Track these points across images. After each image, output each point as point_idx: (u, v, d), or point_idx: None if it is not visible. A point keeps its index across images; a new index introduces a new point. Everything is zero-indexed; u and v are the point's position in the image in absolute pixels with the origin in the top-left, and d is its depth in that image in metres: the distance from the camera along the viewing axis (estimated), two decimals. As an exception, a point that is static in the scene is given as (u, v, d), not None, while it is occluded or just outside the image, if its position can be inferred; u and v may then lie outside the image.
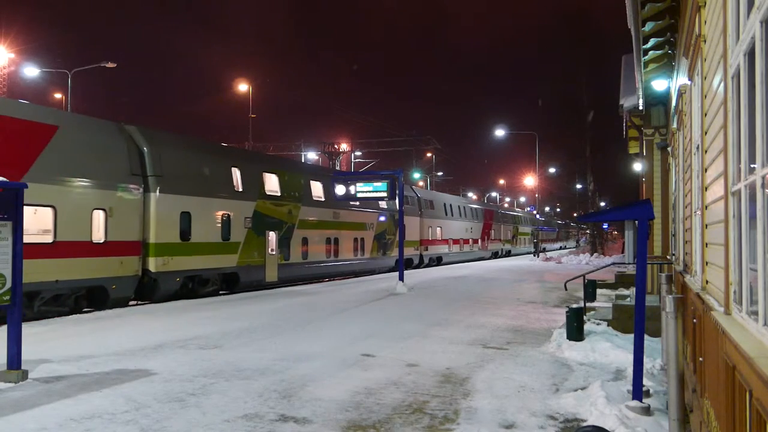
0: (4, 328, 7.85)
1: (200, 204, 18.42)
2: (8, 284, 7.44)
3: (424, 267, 35.58)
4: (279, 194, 22.53)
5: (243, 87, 50.32)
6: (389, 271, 30.27)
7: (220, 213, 19.33)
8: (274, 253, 21.85)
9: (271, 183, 22.41)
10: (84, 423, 5.97)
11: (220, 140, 40.62)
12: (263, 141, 54.18)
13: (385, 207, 31.07)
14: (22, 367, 7.61)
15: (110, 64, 34.92)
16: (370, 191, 22.13)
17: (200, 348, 9.79)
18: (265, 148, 51.71)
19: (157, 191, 16.75)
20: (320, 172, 28.21)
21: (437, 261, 39.14)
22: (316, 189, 25.38)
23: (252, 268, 20.70)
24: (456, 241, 42.66)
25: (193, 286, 18.12)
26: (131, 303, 16.21)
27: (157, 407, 6.51)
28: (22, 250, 7.60)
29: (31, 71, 39.10)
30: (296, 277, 23.31)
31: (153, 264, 16.39)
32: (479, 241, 48.65)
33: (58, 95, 48.35)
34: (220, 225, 19.23)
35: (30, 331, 10.29)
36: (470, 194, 78.60)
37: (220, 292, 19.41)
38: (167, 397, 6.88)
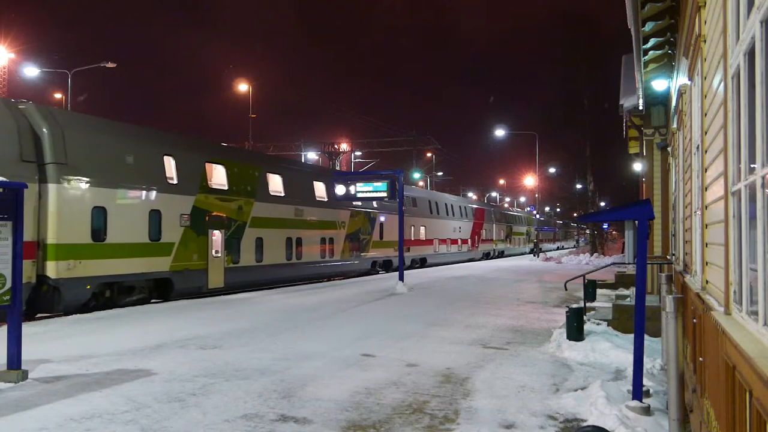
0: (4, 328, 7.85)
1: (120, 198, 15.72)
2: (8, 284, 7.44)
3: (407, 269, 33.54)
4: (226, 188, 19.81)
5: (243, 87, 50.36)
6: (365, 274, 28.43)
7: (148, 209, 16.54)
8: (219, 255, 19.15)
9: (217, 175, 19.84)
10: (84, 423, 5.97)
11: (221, 140, 40.63)
12: (263, 141, 54.19)
13: (359, 204, 28.17)
14: (22, 367, 7.61)
15: (110, 64, 34.97)
16: (370, 191, 22.11)
17: (200, 348, 9.79)
18: (266, 148, 51.73)
19: (59, 182, 14.10)
20: (279, 165, 24.96)
21: (421, 263, 36.63)
22: (274, 183, 22.71)
23: (190, 272, 17.87)
24: (442, 241, 40.28)
25: (112, 295, 15.57)
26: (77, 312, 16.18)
27: (157, 407, 6.51)
28: (22, 250, 7.60)
29: (31, 71, 39.11)
30: (249, 282, 20.69)
31: (53, 269, 13.76)
32: (469, 241, 46.16)
33: (58, 95, 48.37)
34: (147, 223, 16.46)
35: (30, 331, 10.29)
36: (470, 194, 78.58)
37: (152, 301, 16.76)
38: (167, 397, 6.88)
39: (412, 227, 34.95)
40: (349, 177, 24.18)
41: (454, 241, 42.43)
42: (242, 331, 11.49)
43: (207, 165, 19.20)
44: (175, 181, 17.62)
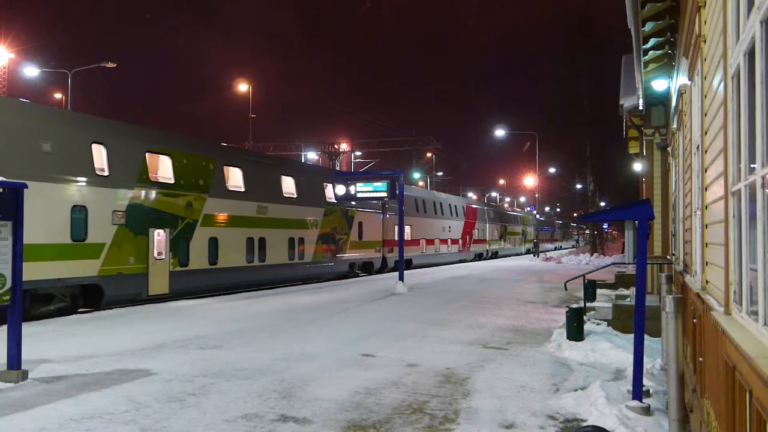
0: (4, 328, 7.85)
1: (31, 192, 13.40)
2: (8, 284, 7.45)
3: (389, 271, 30.94)
4: (172, 181, 17.56)
5: (243, 87, 50.38)
6: (343, 277, 26.53)
7: (70, 205, 14.40)
8: (162, 257, 16.91)
9: (161, 166, 17.70)
10: (84, 423, 5.97)
11: (221, 140, 40.63)
12: (264, 141, 54.19)
13: (334, 201, 25.71)
14: (22, 367, 7.61)
15: (110, 64, 34.94)
16: (370, 191, 22.08)
17: (200, 348, 9.79)
18: (266, 147, 51.72)
19: None
20: (240, 157, 22.44)
21: (406, 264, 33.19)
22: (233, 177, 20.63)
23: (125, 277, 15.65)
24: (430, 242, 37.84)
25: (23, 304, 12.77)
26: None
27: (157, 407, 6.51)
28: (22, 250, 7.61)
29: (31, 71, 39.12)
30: (200, 287, 18.30)
31: None
32: (459, 241, 43.48)
33: (58, 95, 48.39)
34: (69, 221, 14.33)
35: (30, 331, 10.29)
36: (470, 194, 78.54)
37: (79, 311, 14.81)
38: (167, 397, 6.88)
39: (396, 227, 31.57)
40: (349, 177, 24.15)
41: (443, 242, 40.27)
42: (242, 331, 11.49)
43: (148, 155, 16.92)
44: (106, 173, 15.42)
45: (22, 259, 7.65)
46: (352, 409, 6.52)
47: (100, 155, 15.39)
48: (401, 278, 20.43)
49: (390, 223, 31.89)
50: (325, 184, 25.93)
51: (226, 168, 20.20)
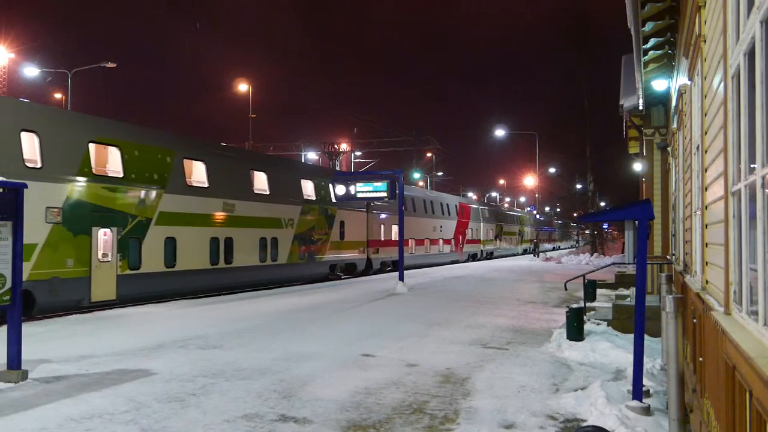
0: (4, 328, 7.85)
1: None
2: (8, 284, 7.45)
3: (374, 273, 29.32)
4: (121, 175, 15.85)
5: (243, 87, 50.40)
6: (323, 280, 24.90)
7: None
8: (108, 259, 15.21)
9: (107, 158, 16.14)
10: (84, 423, 5.98)
11: (221, 140, 40.64)
12: (264, 141, 54.22)
13: (313, 198, 24.36)
14: (22, 367, 7.61)
15: (110, 64, 34.95)
16: (369, 191, 22.06)
17: (200, 348, 9.79)
18: (266, 147, 51.74)
19: None
20: (203, 149, 20.02)
21: (393, 266, 31.73)
22: (194, 171, 18.91)
23: (62, 282, 13.97)
24: (419, 242, 35.76)
25: None
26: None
27: (158, 407, 6.51)
28: (22, 250, 7.61)
29: (31, 71, 39.12)
30: (155, 292, 16.66)
31: None
32: (452, 241, 41.42)
33: (58, 95, 48.41)
34: None
35: (30, 331, 10.29)
36: (470, 194, 78.51)
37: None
38: (167, 397, 6.88)
39: (381, 226, 31.01)
40: (348, 177, 24.11)
41: (434, 242, 38.25)
42: (242, 331, 11.49)
43: (92, 146, 15.25)
44: (38, 165, 13.79)
45: (23, 259, 7.65)
46: (352, 409, 6.52)
47: (31, 145, 13.75)
48: (401, 278, 20.45)
49: (375, 222, 30.28)
50: (302, 180, 24.47)
51: (186, 161, 18.37)
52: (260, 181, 21.92)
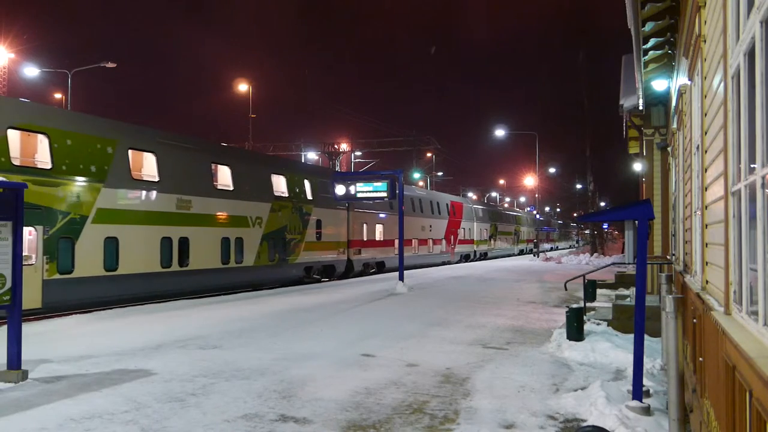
0: (4, 328, 7.86)
1: None
2: (8, 284, 7.45)
3: (355, 276, 27.48)
4: (49, 166, 14.11)
5: (243, 87, 50.42)
6: (296, 283, 23.05)
7: None
8: (32, 262, 13.36)
9: (32, 147, 14.49)
10: (84, 423, 5.98)
11: (221, 140, 40.64)
12: (264, 141, 54.21)
13: (285, 195, 22.61)
14: (22, 367, 7.62)
15: (110, 64, 34.95)
16: (370, 191, 22.03)
17: (200, 348, 9.79)
18: (266, 147, 51.73)
19: None
20: (153, 140, 17.60)
21: (377, 267, 30.38)
22: (142, 164, 17.11)
23: None
24: (407, 242, 33.34)
25: None
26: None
27: (157, 407, 6.52)
28: (22, 251, 7.62)
29: (31, 71, 39.12)
30: (92, 298, 14.90)
31: None
32: (442, 241, 39.44)
33: (58, 95, 48.43)
34: None
35: (30, 331, 10.28)
36: (470, 194, 78.51)
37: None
38: (167, 397, 6.88)
39: (364, 225, 29.21)
40: (348, 177, 24.04)
41: (422, 242, 36.21)
42: (242, 331, 11.49)
43: (11, 132, 13.50)
44: None
45: (22, 259, 7.65)
46: (352, 409, 6.52)
47: None
48: (401, 278, 20.46)
49: (357, 221, 28.20)
50: (273, 175, 22.60)
51: (133, 153, 16.44)
52: (223, 176, 20.18)
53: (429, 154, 66.41)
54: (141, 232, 16.33)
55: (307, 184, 24.25)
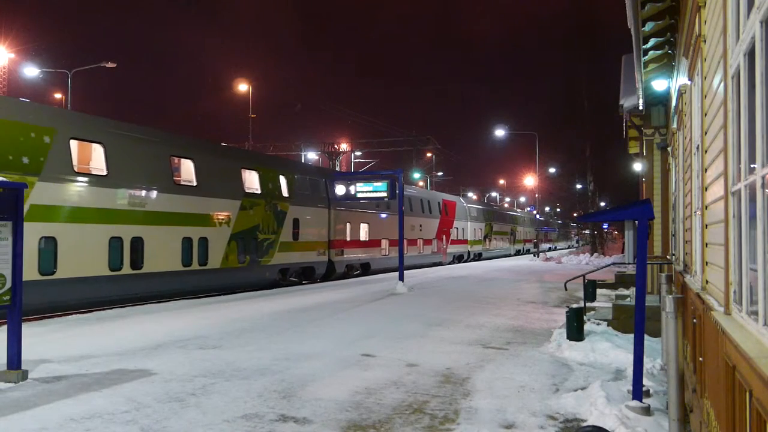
0: (4, 328, 7.85)
1: None
2: (8, 284, 7.46)
3: (336, 279, 25.84)
4: None
5: (243, 87, 50.42)
6: (270, 286, 21.54)
7: None
8: None
9: None
10: (84, 423, 5.98)
11: (220, 140, 40.61)
12: (264, 141, 54.20)
13: (257, 191, 21.08)
14: (22, 367, 7.62)
15: (110, 64, 34.96)
16: (369, 191, 22.02)
17: (200, 348, 9.79)
18: (266, 148, 51.73)
19: None
20: (100, 128, 15.92)
21: (362, 269, 28.97)
22: (88, 155, 15.75)
23: None
24: (395, 243, 31.29)
25: None
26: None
27: (157, 407, 6.52)
28: (22, 250, 7.62)
29: (31, 71, 39.12)
30: (26, 306, 13.12)
31: None
32: (433, 241, 37.65)
33: (58, 95, 48.42)
34: None
35: (30, 331, 10.29)
36: (470, 194, 78.49)
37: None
38: (167, 397, 6.88)
39: (348, 224, 27.49)
40: (348, 177, 24.02)
41: (411, 242, 34.23)
42: (242, 331, 11.49)
43: None
44: None
45: (23, 258, 7.65)
46: (352, 409, 6.52)
47: None
48: (401, 278, 20.45)
49: (340, 220, 26.57)
50: (243, 170, 20.90)
51: (75, 143, 14.88)
52: (185, 171, 18.63)
53: (429, 154, 66.45)
54: (84, 231, 14.72)
55: (282, 180, 22.71)
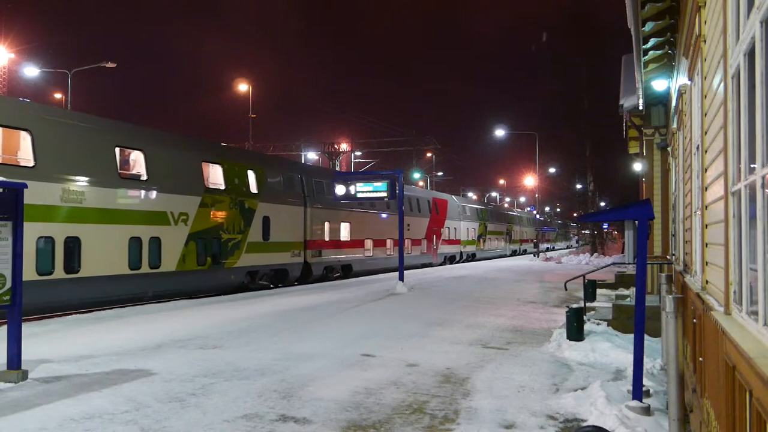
0: (4, 328, 7.85)
1: None
2: (8, 284, 7.46)
3: (315, 281, 24.04)
4: None
5: (243, 87, 50.42)
6: (238, 290, 19.86)
7: None
8: None
9: None
10: (84, 423, 5.97)
11: (220, 140, 40.59)
12: (264, 141, 54.20)
13: (221, 187, 19.36)
14: (22, 367, 7.61)
15: (110, 64, 34.94)
16: (370, 191, 21.96)
17: (200, 348, 9.79)
18: (266, 147, 51.73)
19: None
20: (25, 112, 14.19)
21: (343, 271, 27.08)
22: (11, 145, 14.13)
23: None
24: (379, 243, 30.31)
25: None
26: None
27: (157, 407, 6.51)
28: (22, 250, 7.62)
29: (31, 71, 39.12)
30: None
31: None
32: (423, 242, 35.88)
33: (58, 95, 48.45)
34: None
35: (30, 331, 10.29)
36: (470, 194, 78.49)
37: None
38: (167, 397, 6.88)
39: (327, 223, 25.55)
40: (348, 177, 23.96)
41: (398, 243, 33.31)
42: (242, 330, 11.49)
43: None
44: None
45: (23, 258, 7.65)
46: (352, 409, 6.52)
47: None
48: (401, 278, 20.45)
49: (317, 218, 24.72)
50: (204, 163, 19.07)
51: None
52: (133, 163, 16.89)
53: (429, 154, 66.44)
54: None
55: (251, 175, 20.91)
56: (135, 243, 16.04)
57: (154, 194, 16.77)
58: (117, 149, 16.00)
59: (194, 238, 18.03)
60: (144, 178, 16.58)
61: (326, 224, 25.57)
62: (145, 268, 16.30)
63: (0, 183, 7.67)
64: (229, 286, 19.73)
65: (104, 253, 15.12)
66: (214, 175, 19.49)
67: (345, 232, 27.07)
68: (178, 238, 17.49)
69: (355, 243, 28.08)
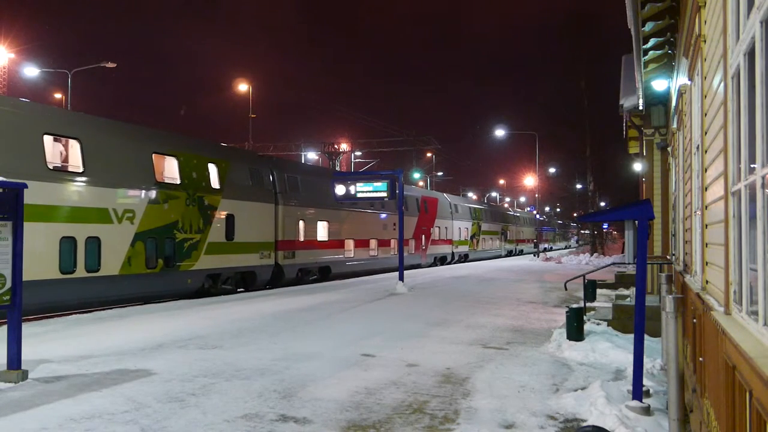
0: (4, 328, 7.85)
1: None
2: (8, 284, 7.45)
3: (287, 284, 22.31)
4: None
5: (243, 87, 50.40)
6: (195, 295, 17.99)
7: None
8: None
9: None
10: (84, 423, 5.97)
11: (220, 140, 40.58)
12: (264, 141, 54.17)
13: (176, 181, 17.63)
14: (22, 367, 7.62)
15: (110, 64, 34.96)
16: (369, 191, 21.87)
17: (200, 348, 9.79)
18: (266, 147, 51.72)
19: None
20: None
21: (321, 274, 25.20)
22: None
23: None
24: (361, 243, 28.45)
25: None
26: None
27: (157, 407, 6.51)
28: (22, 250, 7.62)
29: (31, 71, 39.12)
30: None
31: None
32: (411, 242, 34.24)
33: (58, 95, 48.45)
34: None
35: (30, 331, 10.29)
36: (470, 194, 78.47)
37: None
38: (167, 397, 6.88)
39: (301, 222, 23.77)
40: (348, 177, 23.83)
41: (383, 243, 30.84)
42: (242, 330, 11.49)
43: None
44: None
45: (22, 258, 7.65)
46: (352, 409, 6.52)
47: None
48: (401, 278, 20.44)
49: (291, 217, 22.97)
50: (155, 154, 17.23)
51: None
52: (66, 153, 15.41)
53: (429, 154, 66.45)
54: None
55: (212, 168, 19.08)
56: (68, 244, 14.30)
57: (90, 188, 14.95)
58: (45, 137, 14.20)
59: (142, 238, 16.26)
60: (79, 170, 14.83)
61: (301, 223, 23.76)
62: (80, 272, 14.54)
63: (0, 183, 7.66)
64: (186, 290, 17.95)
65: (34, 256, 12.79)
66: (168, 169, 17.79)
67: (323, 231, 25.29)
68: (123, 238, 15.76)
69: (334, 244, 26.29)
